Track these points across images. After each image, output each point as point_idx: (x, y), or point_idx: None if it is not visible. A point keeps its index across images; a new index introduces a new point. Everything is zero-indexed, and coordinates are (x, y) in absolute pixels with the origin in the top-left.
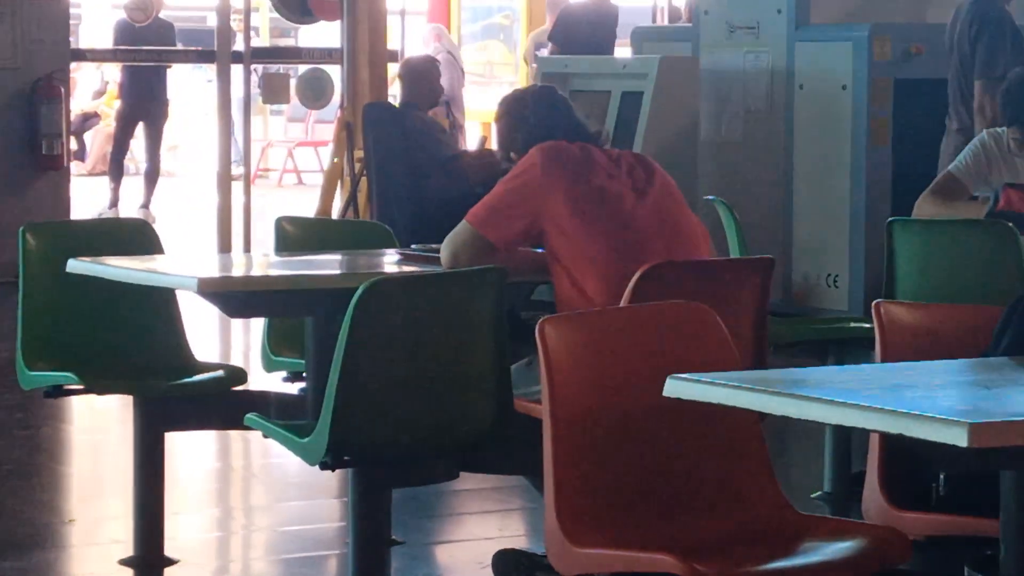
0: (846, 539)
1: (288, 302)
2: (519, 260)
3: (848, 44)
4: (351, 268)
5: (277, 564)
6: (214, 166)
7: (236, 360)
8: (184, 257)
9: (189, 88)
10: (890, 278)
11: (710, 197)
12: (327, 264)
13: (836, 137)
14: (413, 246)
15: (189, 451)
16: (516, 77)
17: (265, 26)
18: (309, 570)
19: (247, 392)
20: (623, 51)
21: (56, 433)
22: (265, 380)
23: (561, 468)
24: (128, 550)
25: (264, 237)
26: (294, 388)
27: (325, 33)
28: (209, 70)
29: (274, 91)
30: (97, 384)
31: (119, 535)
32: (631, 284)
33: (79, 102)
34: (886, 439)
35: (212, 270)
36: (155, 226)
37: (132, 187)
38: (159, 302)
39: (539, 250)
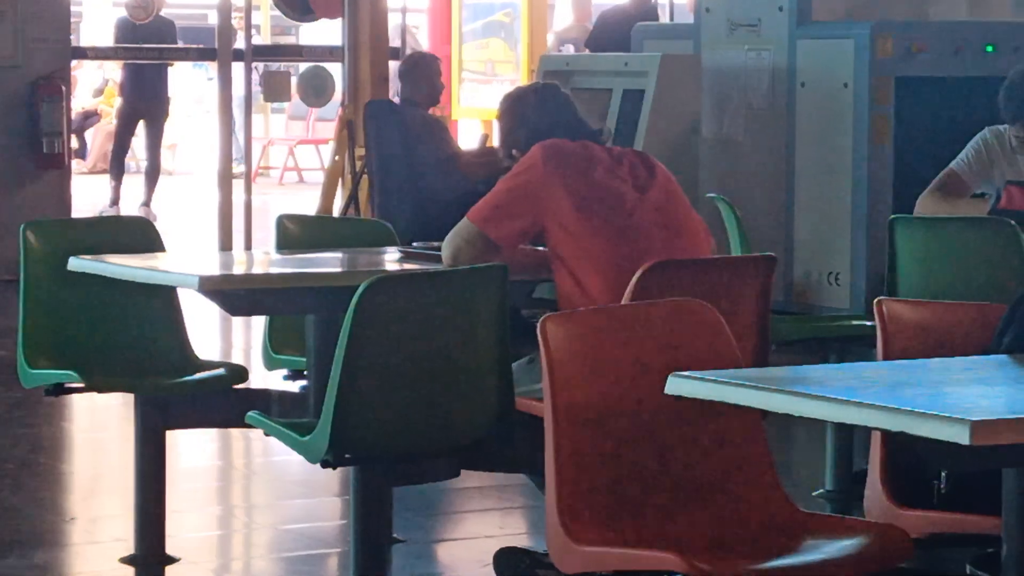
0: (848, 537)
1: (289, 300)
2: (521, 258)
3: (850, 42)
4: (352, 266)
5: (278, 562)
6: (215, 164)
7: (237, 358)
8: (185, 255)
9: (190, 86)
10: (892, 276)
11: (711, 195)
12: (328, 262)
13: (838, 135)
14: (414, 244)
15: (190, 449)
16: (517, 75)
17: (266, 24)
18: (310, 568)
19: (248, 390)
20: None
21: (57, 431)
22: (266, 378)
23: (563, 466)
24: (129, 548)
25: (265, 235)
26: (295, 386)
27: (326, 31)
28: (210, 68)
29: (275, 89)
30: (98, 382)
31: (120, 533)
32: (633, 282)
33: (80, 100)
34: (888, 437)
35: (213, 268)
36: (156, 224)
37: (133, 185)
38: (160, 300)
39: (540, 248)
